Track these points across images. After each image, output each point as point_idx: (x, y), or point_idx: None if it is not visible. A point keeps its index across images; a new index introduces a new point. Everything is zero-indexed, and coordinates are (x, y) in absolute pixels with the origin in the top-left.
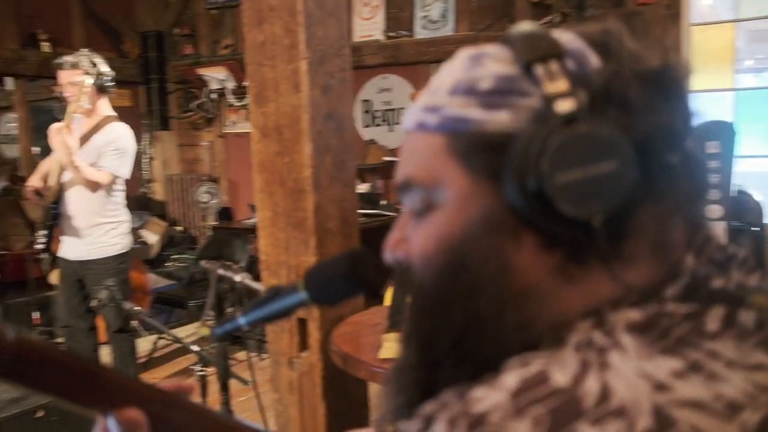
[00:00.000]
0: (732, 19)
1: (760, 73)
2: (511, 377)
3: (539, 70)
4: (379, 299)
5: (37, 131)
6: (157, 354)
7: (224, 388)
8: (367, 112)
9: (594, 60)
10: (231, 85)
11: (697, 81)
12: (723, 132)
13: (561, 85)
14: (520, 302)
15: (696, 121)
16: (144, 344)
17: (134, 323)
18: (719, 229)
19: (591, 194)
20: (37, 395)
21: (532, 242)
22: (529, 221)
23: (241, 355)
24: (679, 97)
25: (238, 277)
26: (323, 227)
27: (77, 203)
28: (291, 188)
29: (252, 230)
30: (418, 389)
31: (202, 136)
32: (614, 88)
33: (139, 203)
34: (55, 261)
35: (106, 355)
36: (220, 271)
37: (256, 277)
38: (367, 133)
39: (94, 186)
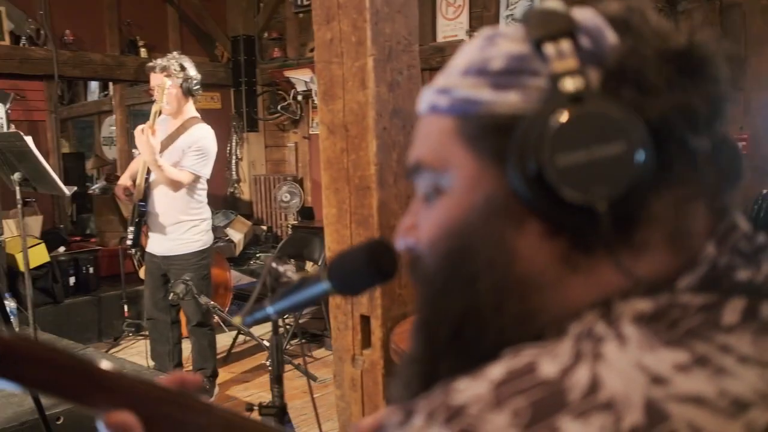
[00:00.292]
0: None
1: None
2: (497, 368)
3: (549, 48)
4: None
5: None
6: (237, 349)
7: (278, 381)
8: None
9: (611, 37)
10: (316, 87)
11: None
12: None
13: (569, 63)
14: (521, 291)
15: (729, 105)
16: (224, 339)
17: (214, 318)
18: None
19: (595, 178)
20: (30, 392)
21: (536, 229)
22: (533, 207)
23: (320, 352)
24: (708, 78)
25: (291, 274)
26: (387, 224)
27: (161, 201)
28: (356, 185)
29: None
30: (422, 383)
31: (288, 137)
32: (630, 66)
33: (227, 203)
34: (144, 256)
35: (187, 348)
36: (273, 266)
37: None
38: None
39: (176, 185)
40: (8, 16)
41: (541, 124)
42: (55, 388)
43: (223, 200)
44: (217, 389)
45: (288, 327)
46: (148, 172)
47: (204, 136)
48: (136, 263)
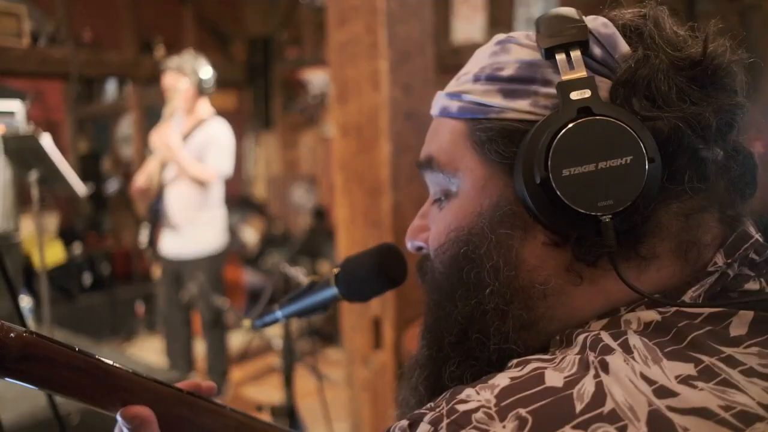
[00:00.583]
0: None
1: None
2: (503, 377)
3: (560, 56)
4: None
5: None
6: (250, 348)
7: (288, 382)
8: None
9: (623, 46)
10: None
11: None
12: None
13: (578, 72)
14: (526, 299)
15: (745, 114)
16: (238, 338)
17: (227, 318)
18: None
19: (600, 190)
20: (45, 393)
21: (542, 238)
22: (538, 216)
23: (332, 353)
24: (722, 88)
25: (302, 277)
26: (400, 227)
27: (175, 201)
28: (369, 187)
29: None
30: (428, 387)
31: (303, 138)
32: (641, 76)
33: (241, 202)
34: (157, 256)
35: (200, 347)
36: (283, 269)
37: None
38: None
39: (198, 182)
40: (30, 15)
41: (548, 134)
42: (71, 390)
43: (238, 200)
44: (229, 388)
45: (300, 329)
46: (163, 171)
47: (221, 131)
48: (150, 262)
